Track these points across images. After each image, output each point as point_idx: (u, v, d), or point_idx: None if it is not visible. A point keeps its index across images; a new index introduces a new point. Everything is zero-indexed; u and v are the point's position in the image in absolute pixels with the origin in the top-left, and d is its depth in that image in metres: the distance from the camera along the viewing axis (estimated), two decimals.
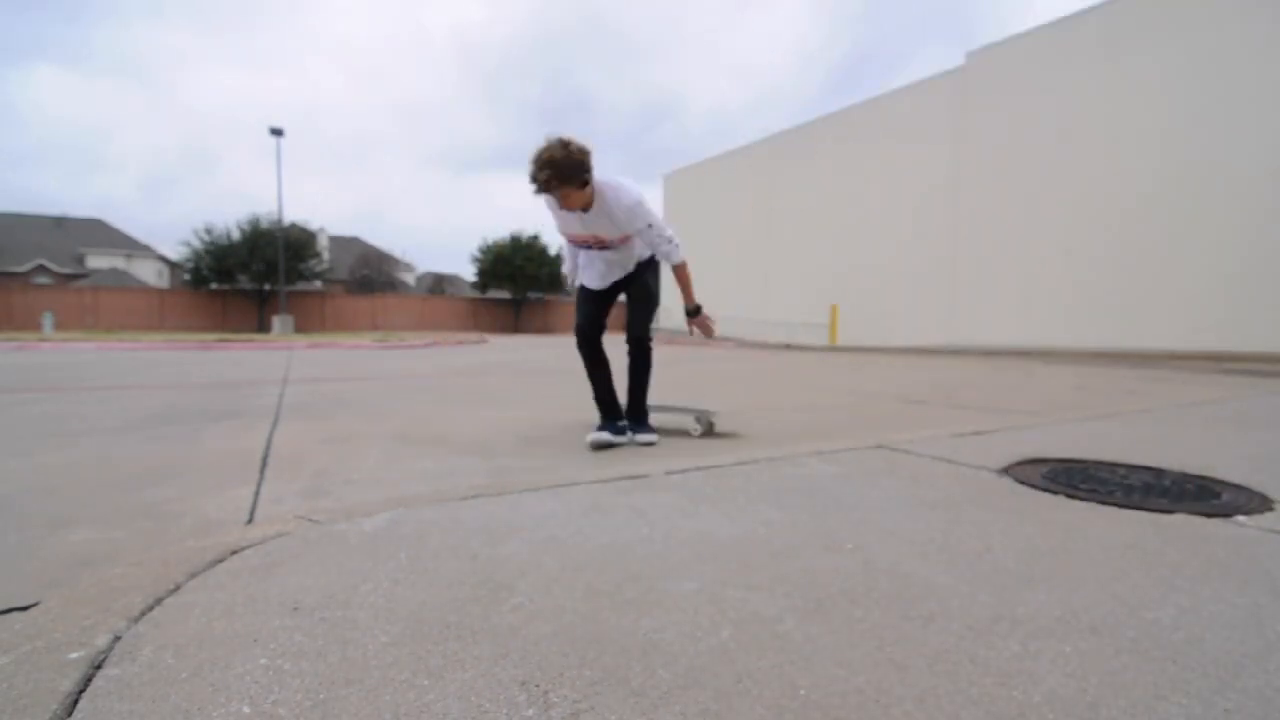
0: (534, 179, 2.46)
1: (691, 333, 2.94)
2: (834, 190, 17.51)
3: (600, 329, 2.99)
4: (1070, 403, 4.26)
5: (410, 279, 49.19)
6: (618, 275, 2.90)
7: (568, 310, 39.28)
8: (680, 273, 2.79)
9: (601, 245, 2.76)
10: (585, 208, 2.60)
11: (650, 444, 2.75)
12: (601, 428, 2.75)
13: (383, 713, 0.68)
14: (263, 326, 28.67)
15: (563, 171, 2.42)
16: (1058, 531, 1.31)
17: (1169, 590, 1.02)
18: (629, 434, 2.77)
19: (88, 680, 0.74)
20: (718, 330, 2.93)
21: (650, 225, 2.67)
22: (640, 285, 2.93)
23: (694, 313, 2.87)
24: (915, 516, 1.40)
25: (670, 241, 2.72)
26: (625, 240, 2.74)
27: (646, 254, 2.88)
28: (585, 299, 3.00)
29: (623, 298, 3.02)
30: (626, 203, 2.60)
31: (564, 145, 2.44)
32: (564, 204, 2.55)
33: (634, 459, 2.43)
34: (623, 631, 0.86)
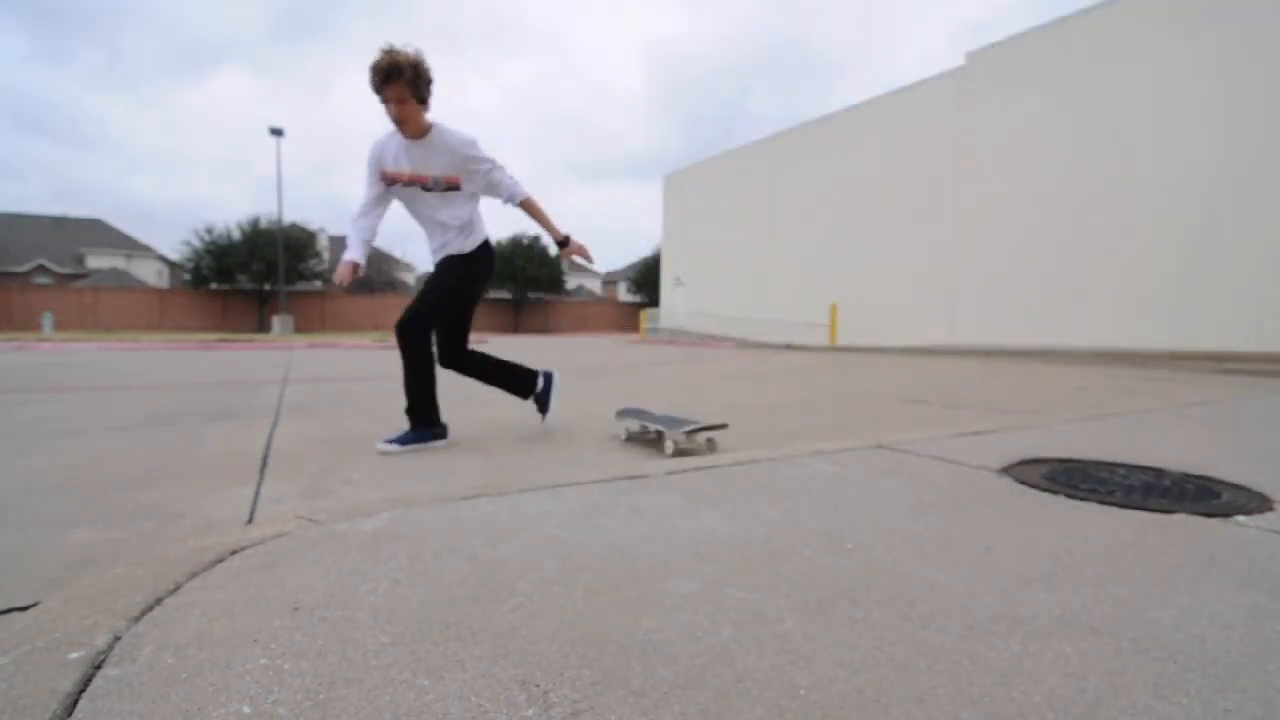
0: (378, 71, 2.35)
1: (567, 261, 2.89)
2: (834, 190, 17.51)
3: (417, 322, 2.66)
4: (1070, 403, 4.26)
5: (410, 279, 49.23)
6: (451, 242, 2.71)
7: (568, 310, 39.32)
8: (532, 207, 2.71)
9: (422, 184, 2.59)
10: (420, 135, 2.52)
11: (385, 453, 2.49)
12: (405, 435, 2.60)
13: (383, 713, 0.68)
14: (263, 326, 28.70)
15: (411, 72, 2.37)
16: (1058, 531, 1.31)
17: (1169, 590, 1.02)
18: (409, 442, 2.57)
19: (88, 680, 0.74)
20: (594, 255, 2.82)
21: (493, 166, 2.61)
22: (437, 272, 2.72)
23: (564, 243, 2.78)
24: (915, 516, 1.39)
25: (513, 180, 2.67)
26: (451, 185, 2.60)
27: (466, 240, 2.71)
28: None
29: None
30: (466, 137, 2.56)
31: (416, 54, 2.41)
32: (399, 116, 2.42)
33: (634, 459, 2.43)
34: (623, 631, 0.86)
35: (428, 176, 2.58)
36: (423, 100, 2.46)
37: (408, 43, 2.43)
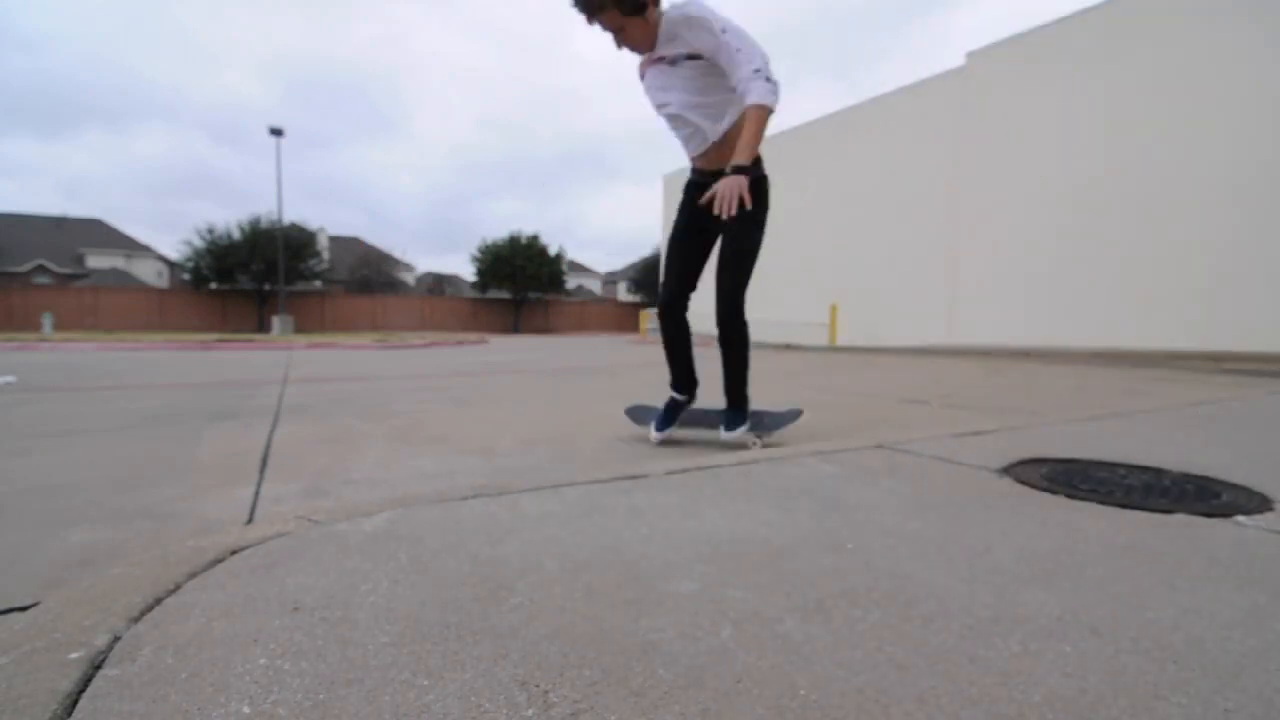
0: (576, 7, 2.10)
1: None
2: (834, 190, 17.52)
3: (683, 295, 2.50)
4: (1070, 403, 4.26)
5: (410, 279, 49.22)
6: (696, 145, 2.29)
7: (568, 310, 39.30)
8: (755, 119, 2.00)
9: (662, 103, 2.24)
10: (651, 46, 2.16)
11: (740, 443, 2.50)
12: (665, 414, 2.64)
13: (383, 713, 0.68)
14: (263, 326, 28.71)
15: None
16: (1058, 531, 1.31)
17: (1169, 590, 1.02)
18: (712, 427, 2.63)
19: (88, 680, 0.74)
20: (735, 202, 2.00)
21: (725, 31, 2.02)
22: (732, 234, 2.28)
23: (738, 170, 2.01)
24: (915, 516, 1.40)
25: (758, 72, 1.99)
26: (689, 60, 2.12)
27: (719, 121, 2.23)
28: (671, 253, 2.50)
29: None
30: (691, 10, 2.07)
31: None
32: (621, 41, 2.14)
33: (634, 459, 2.43)
34: (623, 631, 0.86)
35: (668, 56, 2.18)
36: (640, 8, 2.07)
37: None
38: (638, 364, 8.61)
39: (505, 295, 36.34)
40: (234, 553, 1.13)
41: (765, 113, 2.00)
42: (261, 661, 0.77)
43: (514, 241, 35.43)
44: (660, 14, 2.14)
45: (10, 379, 5.74)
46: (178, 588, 0.99)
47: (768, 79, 2.00)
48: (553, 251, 35.94)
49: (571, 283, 42.75)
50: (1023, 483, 1.72)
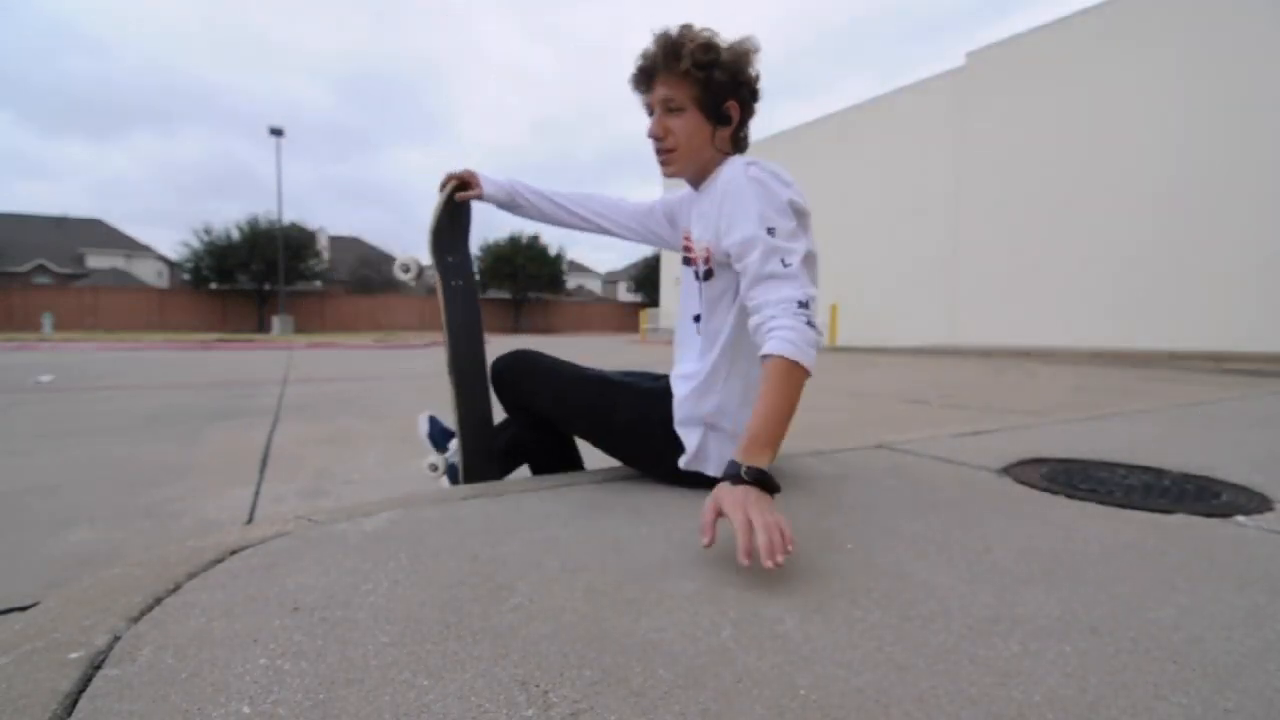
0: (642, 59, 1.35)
1: (708, 540, 1.05)
2: (834, 190, 17.52)
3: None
4: (1070, 403, 4.26)
5: (411, 279, 49.18)
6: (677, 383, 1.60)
7: (568, 311, 39.28)
8: (782, 383, 1.19)
9: (689, 259, 1.50)
10: (698, 177, 1.45)
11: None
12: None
13: (383, 713, 0.68)
14: (263, 326, 28.71)
15: (669, 53, 1.29)
16: (1058, 531, 1.31)
17: (1169, 590, 1.02)
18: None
19: (87, 680, 0.74)
20: (769, 560, 0.97)
21: (771, 232, 1.25)
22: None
23: (740, 477, 1.10)
24: (915, 516, 1.39)
25: (796, 305, 1.22)
26: (712, 264, 1.42)
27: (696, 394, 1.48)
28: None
29: None
30: (740, 180, 1.29)
31: (712, 40, 1.30)
32: (654, 129, 1.38)
33: None
34: (623, 631, 0.86)
35: (694, 251, 1.47)
36: (716, 111, 1.34)
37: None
38: (638, 364, 8.61)
39: (506, 295, 36.36)
40: (234, 553, 1.13)
41: (799, 376, 1.23)
42: (261, 661, 0.77)
43: (515, 241, 35.45)
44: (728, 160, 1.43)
45: (50, 377, 5.73)
46: (178, 588, 0.99)
47: (808, 324, 1.25)
48: (553, 251, 35.94)
49: (572, 283, 42.79)
50: (1023, 483, 1.72)
